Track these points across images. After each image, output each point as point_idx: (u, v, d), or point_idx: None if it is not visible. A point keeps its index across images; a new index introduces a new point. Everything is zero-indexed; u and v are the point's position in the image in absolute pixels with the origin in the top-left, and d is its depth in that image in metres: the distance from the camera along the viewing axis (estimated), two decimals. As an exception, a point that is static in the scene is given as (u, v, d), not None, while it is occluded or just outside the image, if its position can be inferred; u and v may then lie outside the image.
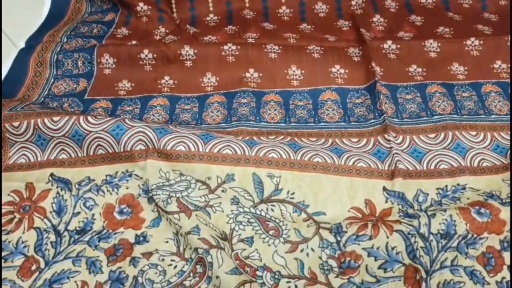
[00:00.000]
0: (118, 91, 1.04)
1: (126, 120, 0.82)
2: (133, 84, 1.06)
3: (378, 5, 1.23)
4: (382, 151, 0.83)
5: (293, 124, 0.93)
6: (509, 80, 0.97)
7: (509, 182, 0.75)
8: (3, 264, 0.70)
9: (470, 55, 1.04)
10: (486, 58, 1.03)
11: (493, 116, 0.90)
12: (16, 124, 0.83)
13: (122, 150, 0.81)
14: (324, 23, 1.21)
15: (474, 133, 0.87)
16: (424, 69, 1.03)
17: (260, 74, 1.04)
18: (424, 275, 0.64)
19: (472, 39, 1.06)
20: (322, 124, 0.92)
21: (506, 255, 0.66)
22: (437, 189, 0.76)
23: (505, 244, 0.66)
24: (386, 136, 0.85)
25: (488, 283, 0.63)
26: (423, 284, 0.63)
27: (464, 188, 0.76)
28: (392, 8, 1.23)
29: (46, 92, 1.05)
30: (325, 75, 1.02)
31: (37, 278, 0.68)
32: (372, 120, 0.91)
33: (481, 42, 1.05)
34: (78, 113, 0.91)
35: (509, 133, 0.86)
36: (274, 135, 0.89)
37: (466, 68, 1.02)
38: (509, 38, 1.03)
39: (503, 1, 1.22)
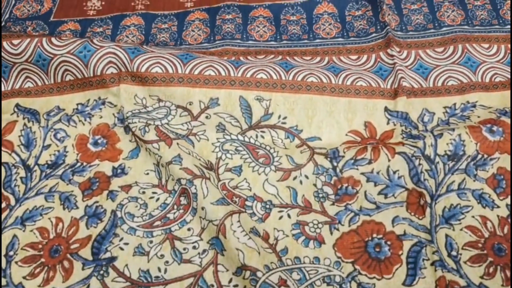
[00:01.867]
0: (87, 11, 0.92)
1: (94, 40, 0.72)
2: (103, 3, 0.94)
3: None
4: (384, 68, 0.74)
5: (285, 41, 0.83)
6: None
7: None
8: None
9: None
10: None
11: (508, 26, 0.80)
12: (-31, 49, 0.73)
13: (92, 74, 0.72)
14: None
15: (486, 45, 0.77)
16: (433, -25, 0.90)
17: (247, -14, 0.92)
18: (428, 200, 0.58)
19: None
20: (318, 40, 0.82)
21: (518, 176, 0.60)
22: (445, 107, 0.69)
23: (518, 165, 0.60)
24: (389, 51, 0.76)
25: (498, 206, 0.58)
26: (428, 209, 0.57)
27: (474, 106, 0.68)
28: None
29: (7, 16, 0.94)
30: (321, -15, 0.90)
31: (8, 216, 0.62)
32: (374, 34, 0.80)
33: None
34: (41, 34, 0.80)
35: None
36: (263, 54, 0.79)
37: (480, -28, 0.90)
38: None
39: None
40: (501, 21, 0.81)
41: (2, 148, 0.70)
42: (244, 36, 0.84)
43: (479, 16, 0.83)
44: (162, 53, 0.72)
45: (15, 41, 0.73)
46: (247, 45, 0.82)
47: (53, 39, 0.73)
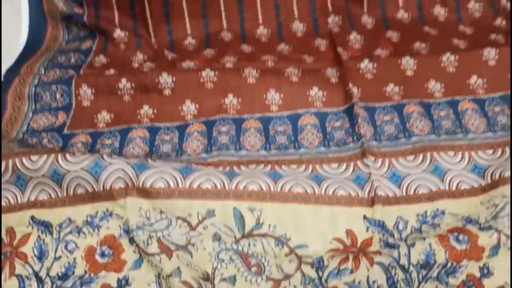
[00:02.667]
0: (97, 123, 1.03)
1: (104, 156, 0.81)
2: (112, 116, 1.05)
3: (355, 21, 1.24)
4: (361, 177, 0.83)
5: (274, 151, 0.93)
6: (485, 97, 0.98)
7: (488, 205, 0.76)
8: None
9: (446, 71, 1.05)
10: (462, 73, 1.04)
11: (470, 134, 0.91)
12: (-6, 166, 0.81)
13: (101, 189, 0.80)
14: (301, 42, 1.22)
15: (452, 153, 0.86)
16: (401, 88, 1.03)
17: (239, 100, 1.04)
18: (405, 308, 0.64)
19: (448, 54, 1.06)
20: (302, 150, 0.92)
21: (486, 282, 0.66)
22: (417, 215, 0.76)
23: (485, 271, 0.67)
24: (365, 160, 0.85)
25: (469, 313, 0.63)
26: (405, 317, 0.63)
27: (443, 213, 0.76)
28: (368, 24, 1.24)
29: (25, 128, 1.03)
30: (304, 99, 1.02)
31: (19, 329, 0.67)
32: (351, 144, 0.91)
33: (457, 57, 1.06)
34: (56, 150, 0.90)
35: (487, 152, 0.86)
36: (254, 164, 0.89)
37: (442, 85, 1.03)
38: (482, 52, 1.04)
39: (477, 13, 1.23)
40: (463, 130, 0.92)
41: (17, 260, 0.76)
42: (238, 146, 0.94)
43: (445, 125, 0.93)
44: (165, 168, 0.81)
45: (33, 157, 0.82)
46: (240, 155, 0.92)
47: (67, 156, 0.81)
